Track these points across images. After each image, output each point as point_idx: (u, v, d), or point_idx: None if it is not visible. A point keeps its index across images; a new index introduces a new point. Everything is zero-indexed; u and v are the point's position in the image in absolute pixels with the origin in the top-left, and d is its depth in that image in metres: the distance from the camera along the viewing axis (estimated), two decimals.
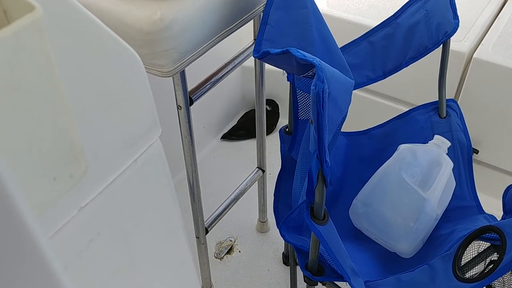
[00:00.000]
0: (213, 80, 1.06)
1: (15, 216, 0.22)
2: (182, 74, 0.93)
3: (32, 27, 0.25)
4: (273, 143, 1.77)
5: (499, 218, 1.05)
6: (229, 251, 1.54)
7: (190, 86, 0.99)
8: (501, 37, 1.51)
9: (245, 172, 1.43)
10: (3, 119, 0.25)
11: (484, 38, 1.51)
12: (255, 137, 1.38)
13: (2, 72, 0.25)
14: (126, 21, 0.83)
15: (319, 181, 0.78)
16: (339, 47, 1.05)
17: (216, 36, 0.94)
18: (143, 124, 0.45)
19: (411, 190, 1.07)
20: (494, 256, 0.90)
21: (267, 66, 1.16)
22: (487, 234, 0.92)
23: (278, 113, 1.95)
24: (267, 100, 1.91)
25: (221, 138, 1.93)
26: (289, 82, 1.08)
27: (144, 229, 0.49)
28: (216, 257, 1.52)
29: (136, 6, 0.82)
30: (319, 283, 0.99)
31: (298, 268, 1.38)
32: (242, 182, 1.38)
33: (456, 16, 1.10)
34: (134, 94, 0.43)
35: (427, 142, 1.15)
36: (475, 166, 1.18)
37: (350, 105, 0.93)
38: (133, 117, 0.43)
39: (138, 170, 0.46)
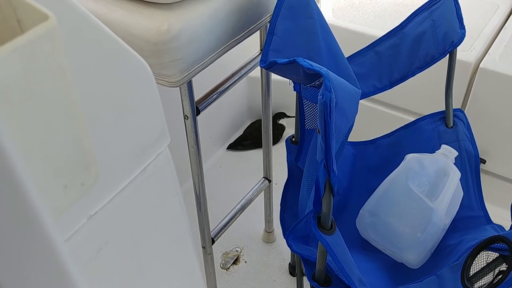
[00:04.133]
0: (219, 90, 1.07)
1: (35, 221, 0.22)
2: (189, 84, 0.93)
3: (47, 36, 0.26)
4: (279, 153, 1.77)
5: (507, 229, 1.04)
6: (235, 262, 1.54)
7: (196, 96, 0.99)
8: (508, 46, 1.51)
9: (251, 182, 1.43)
10: (17, 127, 0.25)
11: (491, 48, 1.51)
12: (261, 147, 1.38)
13: (17, 81, 0.25)
14: (134, 32, 0.83)
15: (326, 190, 0.78)
16: (346, 57, 1.06)
17: (223, 47, 0.94)
18: (153, 133, 0.45)
19: (418, 200, 1.07)
20: (503, 267, 0.89)
21: (273, 76, 1.17)
22: (496, 244, 0.91)
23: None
24: (278, 113, 1.91)
25: (227, 148, 1.93)
26: (295, 92, 1.08)
27: (152, 238, 0.49)
28: (222, 268, 1.52)
29: (144, 17, 0.83)
30: None
31: (304, 278, 1.37)
32: (248, 192, 1.38)
33: (462, 26, 1.10)
34: (144, 103, 0.43)
35: (434, 152, 1.15)
36: (482, 176, 1.18)
37: (357, 114, 0.93)
38: (143, 126, 0.44)
39: (147, 179, 0.46)
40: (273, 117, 1.85)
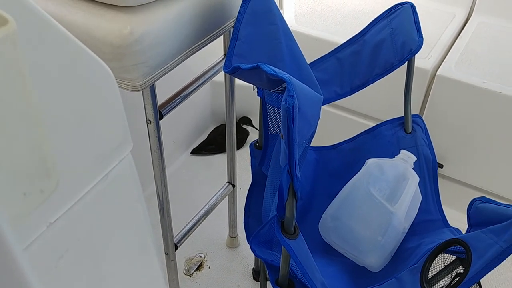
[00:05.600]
0: (183, 94, 1.06)
1: None
2: (152, 88, 0.92)
3: (6, 40, 0.25)
4: (243, 157, 1.77)
5: (464, 231, 1.08)
6: (199, 267, 1.53)
7: (159, 100, 0.99)
8: (463, 55, 1.56)
9: (215, 187, 1.42)
10: None
11: (447, 56, 1.56)
12: (225, 151, 1.38)
13: None
14: (95, 34, 0.82)
15: (290, 195, 0.79)
16: (308, 63, 1.07)
17: (187, 51, 0.94)
18: (115, 138, 0.44)
19: (378, 204, 1.09)
20: (460, 269, 0.92)
21: (237, 81, 1.17)
22: (453, 247, 0.93)
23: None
24: (243, 118, 1.92)
25: (190, 153, 1.92)
26: (259, 97, 1.08)
27: (114, 245, 0.49)
28: (185, 274, 1.50)
29: (105, 20, 0.82)
30: None
31: (268, 283, 1.37)
32: (212, 197, 1.38)
33: (420, 34, 1.13)
34: (106, 108, 0.42)
35: (394, 157, 1.17)
36: (440, 181, 1.21)
37: (319, 120, 0.94)
38: (105, 131, 0.43)
39: (109, 185, 0.45)
40: (237, 122, 1.86)
